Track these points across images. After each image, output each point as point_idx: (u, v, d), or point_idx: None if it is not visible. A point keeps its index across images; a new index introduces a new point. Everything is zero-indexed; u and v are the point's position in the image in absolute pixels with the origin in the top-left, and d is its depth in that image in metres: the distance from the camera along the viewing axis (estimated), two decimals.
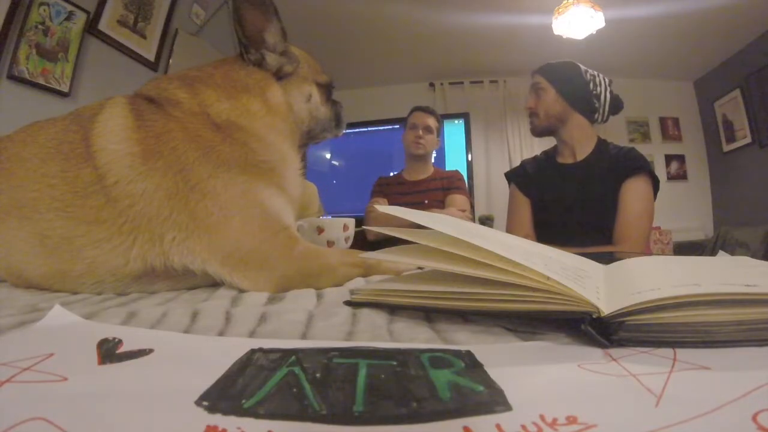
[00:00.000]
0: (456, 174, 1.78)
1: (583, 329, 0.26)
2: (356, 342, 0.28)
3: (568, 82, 1.22)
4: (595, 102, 1.21)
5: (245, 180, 0.52)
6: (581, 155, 1.24)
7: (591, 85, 1.21)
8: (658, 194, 1.18)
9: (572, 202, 1.20)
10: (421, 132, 1.71)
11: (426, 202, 1.65)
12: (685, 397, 0.18)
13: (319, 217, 1.50)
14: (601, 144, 1.25)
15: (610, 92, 1.23)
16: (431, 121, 1.73)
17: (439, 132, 1.77)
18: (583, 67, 1.24)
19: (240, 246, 0.49)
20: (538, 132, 1.28)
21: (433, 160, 1.83)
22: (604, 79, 1.23)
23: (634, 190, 1.14)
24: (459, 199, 1.64)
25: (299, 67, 0.67)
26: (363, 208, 1.76)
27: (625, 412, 0.18)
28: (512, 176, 1.38)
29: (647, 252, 1.52)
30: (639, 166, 1.15)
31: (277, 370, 0.22)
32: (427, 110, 1.77)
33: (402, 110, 1.84)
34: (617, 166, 1.17)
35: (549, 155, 1.34)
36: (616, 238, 1.13)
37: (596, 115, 1.23)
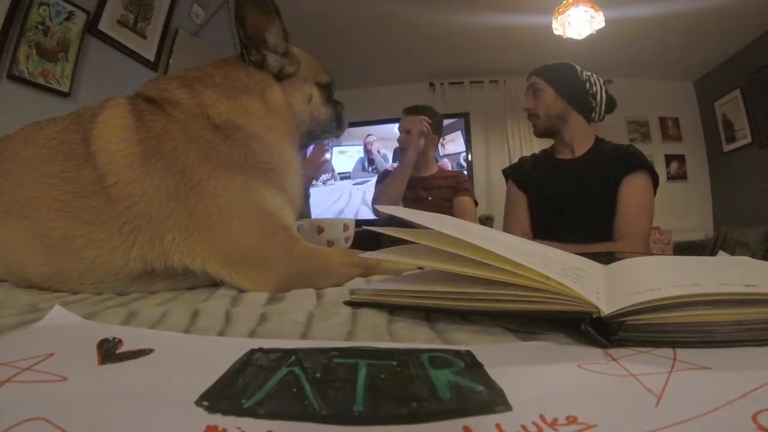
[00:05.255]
0: (461, 175, 1.79)
1: (583, 329, 0.26)
2: (356, 342, 0.28)
3: (566, 82, 1.24)
4: (592, 101, 1.24)
5: (245, 180, 0.52)
6: (580, 152, 1.26)
7: (587, 84, 1.24)
8: (659, 195, 1.18)
9: (570, 198, 1.20)
10: (403, 137, 1.72)
11: (430, 198, 1.65)
12: (685, 397, 0.18)
13: None
14: (599, 142, 1.27)
15: (606, 92, 1.26)
16: (411, 124, 1.71)
17: (432, 129, 1.72)
18: (578, 68, 1.26)
19: (240, 246, 0.49)
20: (540, 132, 1.29)
21: (438, 162, 1.83)
22: (598, 79, 1.26)
23: (634, 186, 1.14)
24: (467, 202, 1.65)
25: (300, 68, 0.67)
26: None
27: (625, 412, 0.18)
28: (509, 172, 1.39)
29: (647, 252, 1.52)
30: (638, 162, 1.16)
31: (277, 370, 0.22)
32: (411, 111, 1.76)
33: (402, 110, 1.83)
34: (616, 162, 1.18)
35: (547, 153, 1.36)
36: (617, 235, 1.13)
37: (593, 114, 1.26)
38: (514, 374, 0.22)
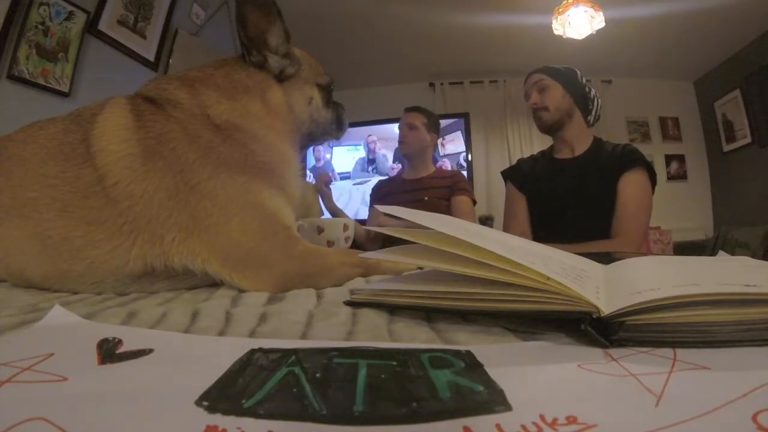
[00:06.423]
0: (458, 174, 1.79)
1: (583, 329, 0.26)
2: (356, 342, 0.28)
3: (571, 81, 1.27)
4: (590, 104, 1.28)
5: (245, 181, 0.52)
6: (579, 152, 1.27)
7: (587, 88, 1.28)
8: (659, 194, 1.20)
9: (569, 197, 1.21)
10: (404, 131, 1.72)
11: (426, 198, 1.65)
12: (685, 397, 0.18)
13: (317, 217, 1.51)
14: (598, 141, 1.29)
15: (599, 100, 1.31)
16: (413, 119, 1.73)
17: (431, 128, 1.75)
18: (578, 72, 1.30)
19: (240, 246, 0.49)
20: (547, 127, 1.29)
21: (438, 162, 1.83)
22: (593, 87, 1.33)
23: (632, 182, 1.16)
24: (465, 201, 1.66)
25: (301, 69, 0.67)
26: None
27: (625, 412, 0.18)
28: (508, 174, 1.41)
29: (647, 251, 1.52)
30: (636, 159, 1.17)
31: (277, 370, 0.22)
32: (412, 108, 1.78)
33: (402, 110, 1.84)
34: (614, 160, 1.19)
35: (545, 153, 1.37)
36: (615, 231, 1.14)
37: (589, 117, 1.29)
38: (514, 374, 0.22)
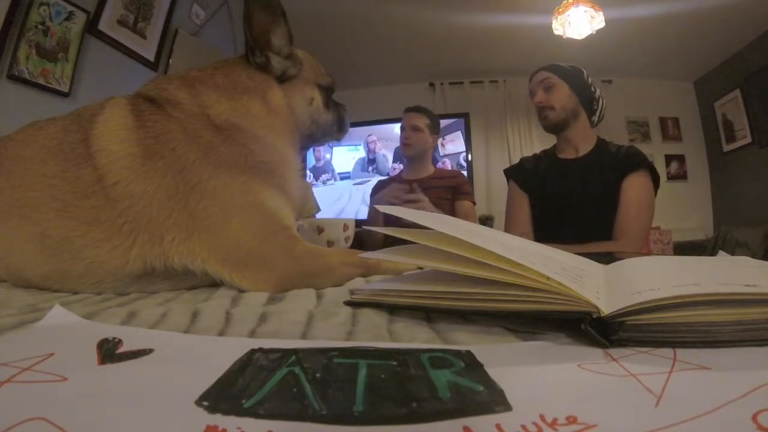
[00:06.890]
0: (460, 176, 1.79)
1: (583, 329, 0.26)
2: (356, 342, 0.28)
3: (578, 81, 1.27)
4: (595, 105, 1.27)
5: (245, 181, 0.52)
6: (583, 152, 1.27)
7: (592, 88, 1.27)
8: (659, 195, 1.20)
9: (572, 197, 1.21)
10: (408, 133, 1.72)
11: (426, 199, 1.65)
12: (685, 397, 0.18)
13: (314, 214, 1.48)
14: (601, 142, 1.28)
15: (603, 100, 1.31)
16: (418, 120, 1.72)
17: (433, 130, 1.75)
18: (585, 71, 1.29)
19: (240, 246, 0.49)
20: (552, 126, 1.29)
21: (438, 161, 1.82)
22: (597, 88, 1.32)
23: (635, 184, 1.16)
24: (469, 206, 1.66)
25: (302, 70, 0.67)
26: None
27: (625, 412, 0.18)
28: (511, 172, 1.40)
29: (647, 252, 1.52)
30: (640, 161, 1.17)
31: (277, 370, 0.22)
32: (415, 109, 1.77)
33: (402, 110, 1.84)
34: (618, 162, 1.19)
35: (548, 153, 1.37)
36: (617, 232, 1.14)
37: (594, 118, 1.28)
38: (514, 374, 0.22)
